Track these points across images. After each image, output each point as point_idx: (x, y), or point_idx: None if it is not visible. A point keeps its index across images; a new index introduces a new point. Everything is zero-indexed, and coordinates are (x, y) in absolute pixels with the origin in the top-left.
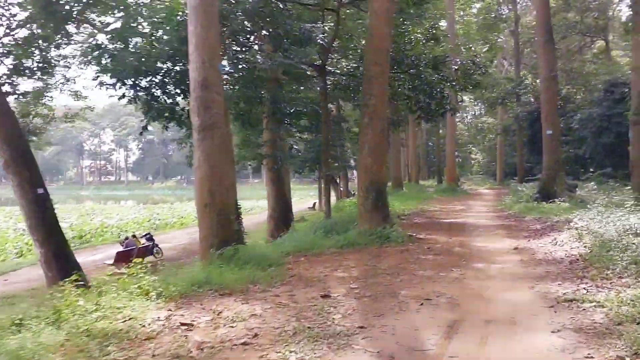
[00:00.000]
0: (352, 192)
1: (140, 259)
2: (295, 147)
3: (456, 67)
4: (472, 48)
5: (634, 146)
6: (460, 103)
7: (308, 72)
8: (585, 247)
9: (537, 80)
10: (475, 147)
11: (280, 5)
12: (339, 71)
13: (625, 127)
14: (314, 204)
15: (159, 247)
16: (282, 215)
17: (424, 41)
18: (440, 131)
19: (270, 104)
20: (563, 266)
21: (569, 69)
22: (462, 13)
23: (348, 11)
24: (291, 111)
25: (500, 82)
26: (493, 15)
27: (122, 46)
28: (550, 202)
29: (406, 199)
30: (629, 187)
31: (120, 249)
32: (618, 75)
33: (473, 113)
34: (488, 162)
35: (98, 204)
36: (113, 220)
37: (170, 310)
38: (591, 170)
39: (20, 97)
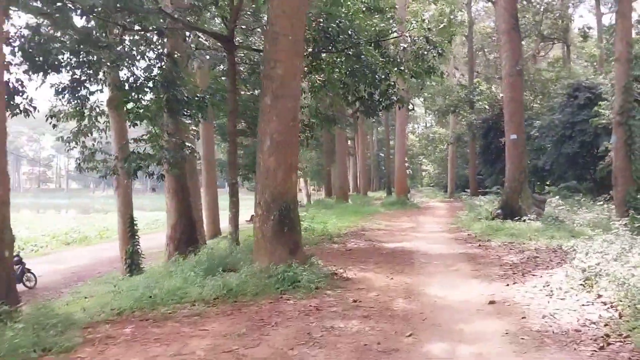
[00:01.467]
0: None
1: None
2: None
3: (405, 46)
4: (427, 21)
5: (617, 152)
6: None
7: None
8: (611, 306)
9: (492, 87)
10: (426, 159)
11: None
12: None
13: (590, 136)
14: (252, 216)
15: (31, 273)
16: (185, 235)
17: (364, 10)
18: (392, 142)
19: (162, 88)
20: (587, 355)
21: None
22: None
23: None
24: (194, 98)
25: (453, 89)
26: (446, 20)
27: None
28: (517, 221)
29: (348, 214)
30: (601, 203)
31: None
32: (582, 79)
33: (424, 124)
34: (439, 173)
35: (37, 213)
36: (26, 233)
37: None
38: (547, 183)
39: None
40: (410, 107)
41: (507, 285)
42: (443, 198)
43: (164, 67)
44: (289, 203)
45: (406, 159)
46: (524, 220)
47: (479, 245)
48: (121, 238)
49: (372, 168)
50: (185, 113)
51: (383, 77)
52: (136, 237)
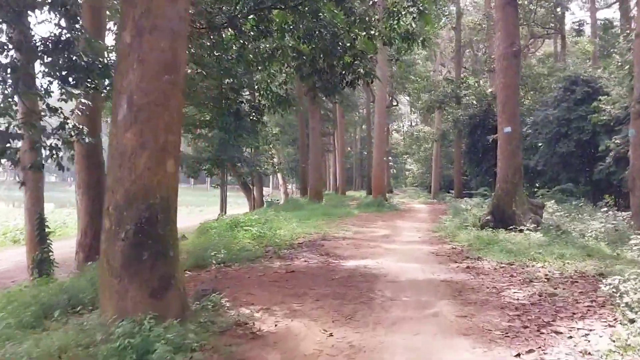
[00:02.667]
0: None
1: None
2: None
3: (375, 0)
4: None
5: (636, 149)
6: (395, 107)
7: None
8: None
9: (481, 81)
10: (410, 158)
11: None
12: None
13: (588, 134)
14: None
15: None
16: (98, 241)
17: None
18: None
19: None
20: None
21: None
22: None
23: None
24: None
25: (439, 85)
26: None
27: None
28: (511, 230)
29: (315, 216)
30: (604, 209)
31: None
32: (580, 72)
33: (409, 123)
34: (422, 173)
35: (10, 207)
36: None
37: None
38: (537, 185)
39: None
40: (395, 103)
41: (518, 356)
42: (426, 199)
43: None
44: (156, 209)
45: (390, 158)
46: (520, 230)
47: (467, 267)
48: (28, 242)
49: (355, 167)
50: (88, 83)
51: (348, 44)
52: (47, 241)
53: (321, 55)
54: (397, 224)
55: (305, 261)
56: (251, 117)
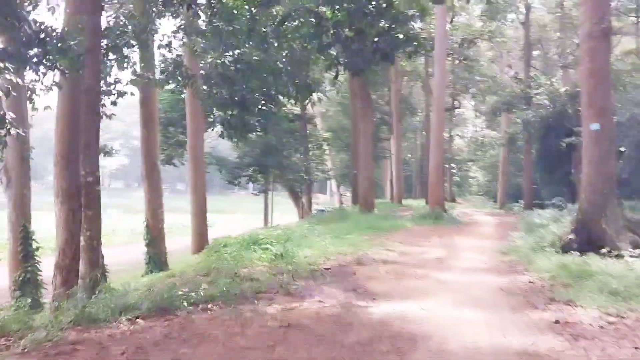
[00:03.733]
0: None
1: None
2: None
3: None
4: None
5: None
6: (458, 110)
7: None
8: None
9: (553, 80)
10: (474, 165)
11: None
12: None
13: None
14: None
15: None
16: (77, 262)
17: None
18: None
19: None
20: None
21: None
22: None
23: None
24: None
25: (506, 85)
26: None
27: None
28: (605, 255)
29: (359, 229)
30: None
31: None
32: None
33: (474, 128)
34: (488, 181)
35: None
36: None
37: None
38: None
39: None
40: (457, 105)
41: None
42: (492, 210)
43: None
44: None
45: (453, 165)
46: (618, 255)
47: (556, 321)
48: (11, 260)
49: (415, 174)
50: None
51: (384, 3)
52: (34, 258)
53: (348, 20)
54: (455, 241)
55: (319, 301)
56: (261, 107)
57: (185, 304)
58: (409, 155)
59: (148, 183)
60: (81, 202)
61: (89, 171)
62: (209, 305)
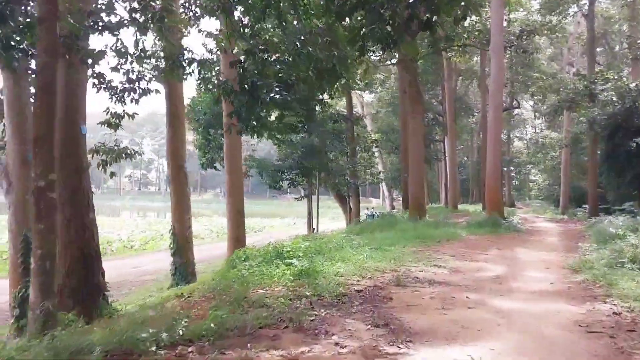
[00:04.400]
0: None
1: None
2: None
3: None
4: None
5: None
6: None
7: None
8: None
9: (621, 74)
10: (534, 168)
11: None
12: None
13: None
14: (313, 229)
15: None
16: (74, 278)
17: None
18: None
19: None
20: None
21: None
22: None
23: None
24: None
25: (568, 82)
26: None
27: None
28: None
29: (404, 239)
30: None
31: None
32: None
33: (534, 129)
34: (549, 185)
35: (135, 215)
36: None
37: None
38: None
39: None
40: (515, 104)
41: None
42: (553, 215)
43: None
44: None
45: (512, 168)
46: None
47: None
48: (11, 273)
49: (471, 178)
50: None
51: None
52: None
53: None
54: (516, 254)
55: (336, 344)
56: (274, 95)
57: (154, 347)
58: (465, 158)
59: (174, 187)
60: (75, 206)
61: (39, 173)
62: (189, 349)
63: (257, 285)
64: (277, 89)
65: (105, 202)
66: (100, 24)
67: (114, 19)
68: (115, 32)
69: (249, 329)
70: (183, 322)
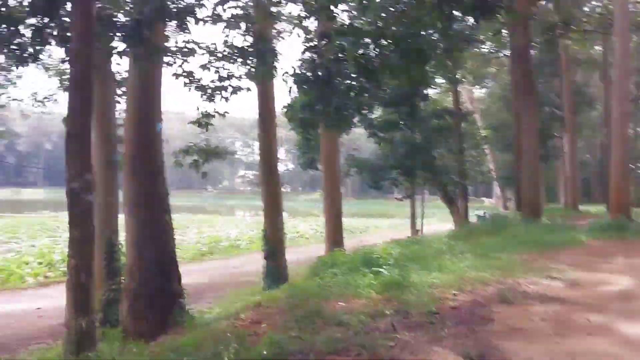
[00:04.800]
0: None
1: None
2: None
3: None
4: None
5: None
6: None
7: None
8: None
9: None
10: None
11: None
12: None
13: None
14: (417, 231)
15: None
16: (150, 285)
17: None
18: None
19: None
20: None
21: None
22: None
23: None
24: None
25: None
26: None
27: None
28: None
29: (513, 246)
30: None
31: None
32: None
33: None
34: None
35: (246, 214)
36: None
37: None
38: None
39: None
40: None
41: None
42: None
43: None
44: None
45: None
46: None
47: None
48: (96, 275)
49: (594, 176)
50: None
51: None
52: (120, 276)
53: None
54: None
55: None
56: (354, 83)
57: None
58: (587, 156)
59: (265, 188)
60: (153, 206)
61: (73, 174)
62: None
63: (339, 297)
64: (356, 77)
65: (221, 201)
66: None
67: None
68: (184, 21)
69: (312, 356)
70: (232, 347)
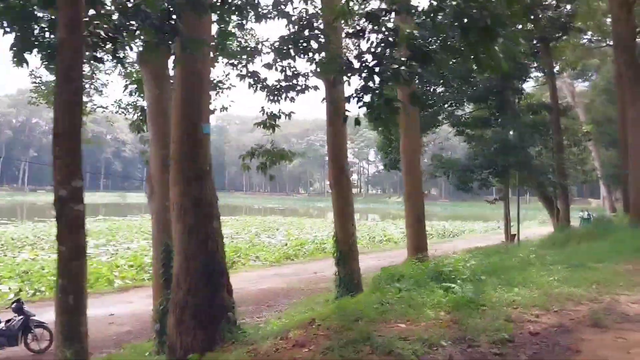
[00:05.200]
0: (589, 216)
1: None
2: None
3: None
4: None
5: None
6: None
7: None
8: None
9: None
10: None
11: None
12: None
13: None
14: (513, 236)
15: (43, 328)
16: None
17: None
18: None
19: None
20: None
21: None
22: None
23: None
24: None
25: None
26: None
27: None
28: None
29: (618, 254)
30: None
31: None
32: None
33: None
34: None
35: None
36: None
37: None
38: None
39: None
40: None
41: None
42: None
43: None
44: None
45: None
46: None
47: None
48: (155, 283)
49: None
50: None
51: None
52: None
53: None
54: None
55: None
56: (403, 68)
57: None
58: None
59: (336, 191)
60: (201, 216)
61: (60, 180)
62: None
63: (400, 317)
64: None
65: (312, 204)
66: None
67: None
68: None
69: None
70: None
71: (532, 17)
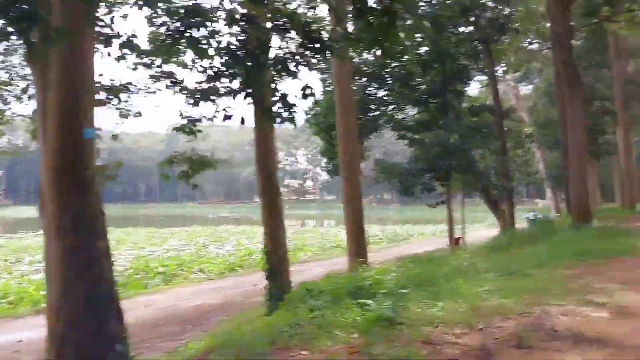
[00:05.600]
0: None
1: None
2: None
3: None
4: None
5: None
6: None
7: None
8: None
9: None
10: None
11: None
12: None
13: None
14: (457, 239)
15: None
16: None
17: None
18: None
19: None
20: None
21: None
22: None
23: None
24: None
25: None
26: None
27: None
28: None
29: (557, 257)
30: None
31: None
32: None
33: None
34: None
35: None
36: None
37: None
38: None
39: None
40: None
41: None
42: None
43: None
44: None
45: None
46: None
47: None
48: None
49: None
50: None
51: None
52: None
53: None
54: None
55: None
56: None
57: None
58: None
59: (263, 199)
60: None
61: None
62: None
63: (304, 343)
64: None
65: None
66: None
67: None
68: None
69: None
70: None
71: (471, 18)
